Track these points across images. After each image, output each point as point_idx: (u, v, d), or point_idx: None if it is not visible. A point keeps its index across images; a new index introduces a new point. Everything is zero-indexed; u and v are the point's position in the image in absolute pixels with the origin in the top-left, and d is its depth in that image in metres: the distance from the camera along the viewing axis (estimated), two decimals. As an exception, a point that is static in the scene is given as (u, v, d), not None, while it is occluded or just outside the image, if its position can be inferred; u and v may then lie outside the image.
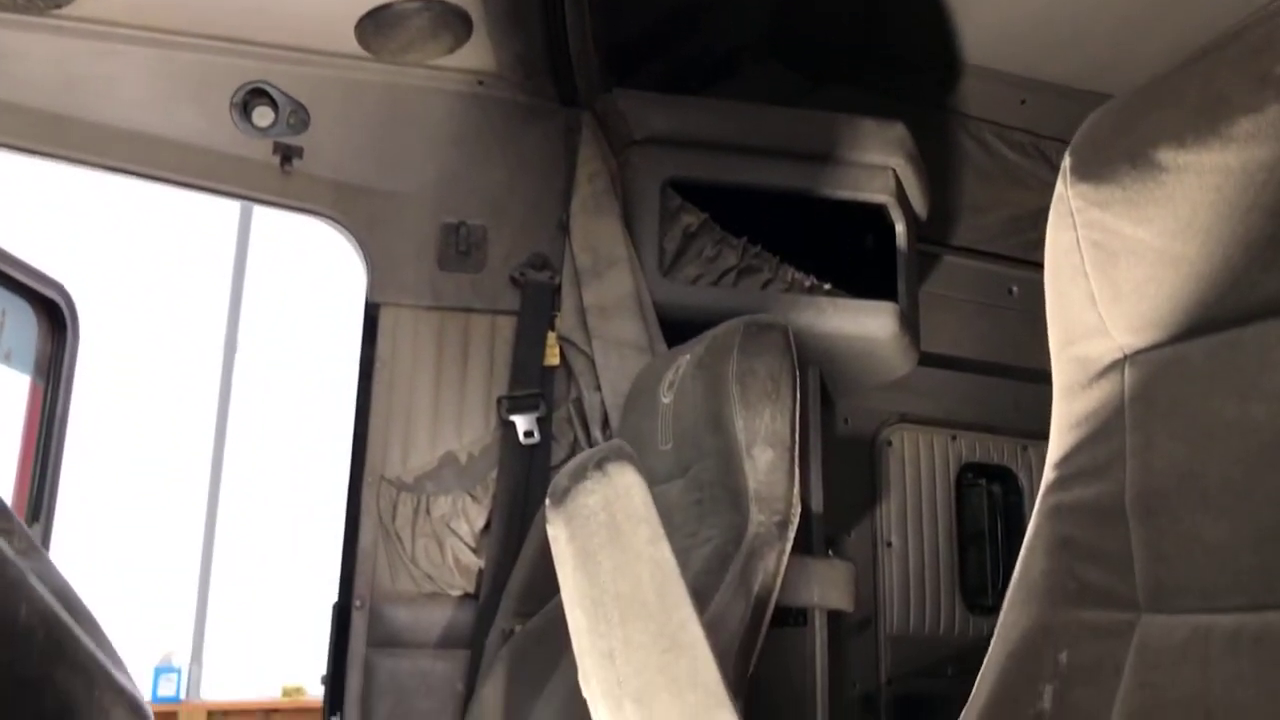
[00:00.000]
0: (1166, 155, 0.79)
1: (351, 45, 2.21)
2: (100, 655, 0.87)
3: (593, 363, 2.21)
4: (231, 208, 6.35)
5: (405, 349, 2.25)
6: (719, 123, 2.35)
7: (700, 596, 1.42)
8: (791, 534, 1.58)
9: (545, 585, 1.88)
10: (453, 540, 2.17)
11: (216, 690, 6.19)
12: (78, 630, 0.86)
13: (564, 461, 2.05)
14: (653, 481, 1.01)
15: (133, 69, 2.16)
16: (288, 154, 2.23)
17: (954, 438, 2.87)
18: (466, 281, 2.29)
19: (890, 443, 2.79)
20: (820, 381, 2.30)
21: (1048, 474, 0.90)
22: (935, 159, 2.64)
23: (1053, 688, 0.83)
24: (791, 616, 1.87)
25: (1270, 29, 0.74)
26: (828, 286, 2.35)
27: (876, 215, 2.43)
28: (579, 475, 0.98)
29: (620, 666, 0.93)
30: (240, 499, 6.35)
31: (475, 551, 2.18)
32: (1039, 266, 0.92)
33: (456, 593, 2.18)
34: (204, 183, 2.22)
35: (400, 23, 2.15)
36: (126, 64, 2.16)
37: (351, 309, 2.37)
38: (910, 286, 2.44)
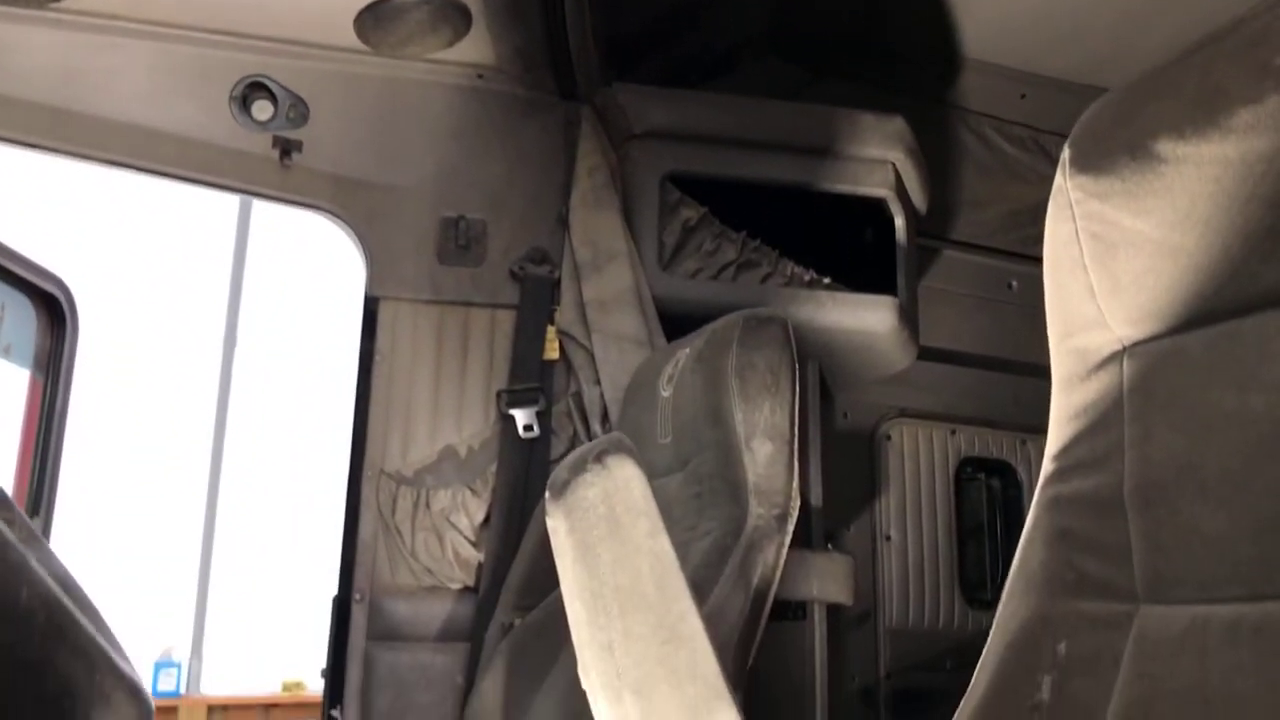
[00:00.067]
0: (1165, 147, 0.79)
1: (351, 39, 2.21)
2: (101, 640, 0.88)
3: (592, 357, 2.21)
4: (231, 201, 6.35)
5: (405, 343, 2.25)
6: (718, 117, 2.35)
7: (699, 589, 1.42)
8: (790, 527, 1.58)
9: (545, 579, 1.88)
10: (452, 534, 2.17)
11: (216, 685, 6.19)
12: (79, 615, 0.87)
13: (563, 455, 2.05)
14: (652, 475, 1.01)
15: (132, 62, 2.16)
16: (287, 148, 2.22)
17: (953, 432, 2.87)
18: (466, 275, 2.29)
19: (890, 437, 2.79)
20: (820, 375, 2.30)
21: (1046, 465, 0.90)
22: (935, 153, 2.64)
23: (1051, 678, 0.83)
24: (791, 610, 1.87)
25: (1268, 21, 0.74)
26: (827, 280, 2.35)
27: (876, 209, 2.43)
28: (579, 468, 0.98)
29: (620, 658, 0.94)
30: (240, 494, 6.36)
31: (475, 545, 2.18)
32: (1038, 261, 0.92)
33: (456, 586, 2.18)
34: (203, 176, 2.22)
35: (399, 16, 2.14)
36: (125, 57, 2.15)
37: (351, 302, 2.37)
38: (909, 280, 2.44)
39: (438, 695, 2.11)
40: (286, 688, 6.16)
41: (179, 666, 6.07)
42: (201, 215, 6.31)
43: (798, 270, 2.34)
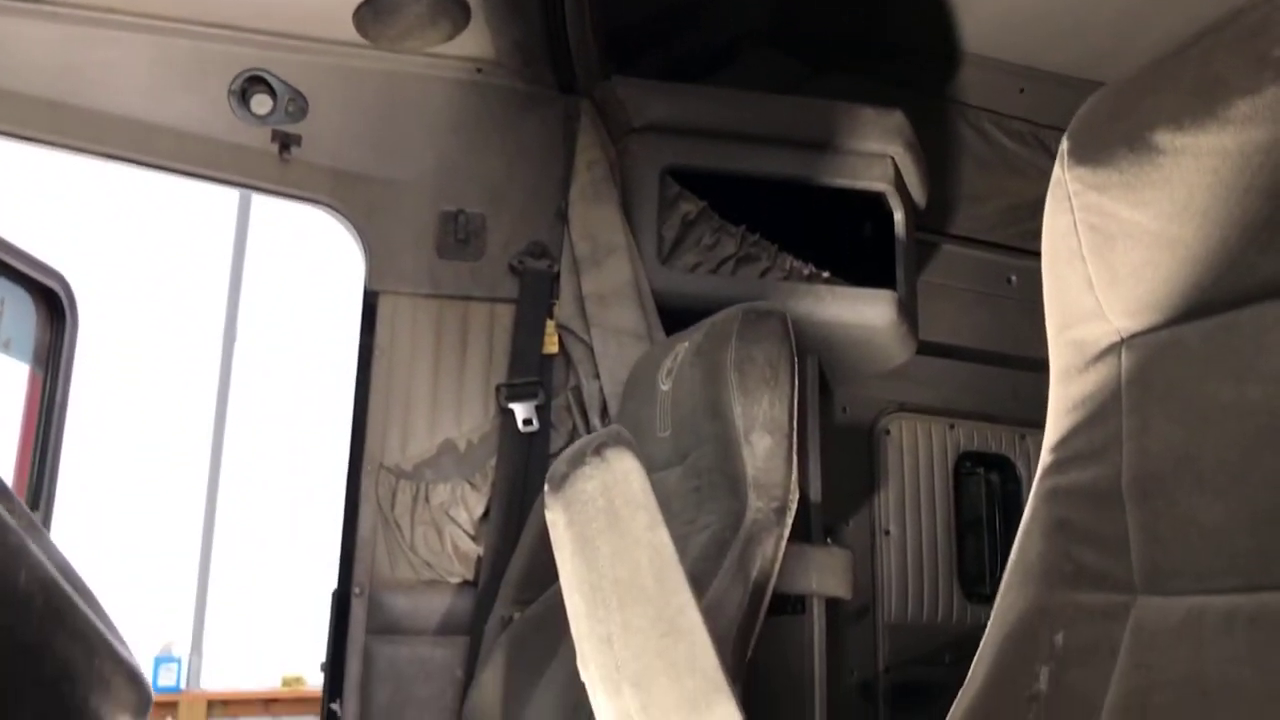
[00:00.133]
0: (1164, 138, 0.79)
1: (350, 33, 2.21)
2: (99, 625, 0.88)
3: (591, 351, 2.21)
4: (230, 196, 6.35)
5: (404, 337, 2.25)
6: (718, 110, 2.35)
7: (698, 582, 1.42)
8: (789, 520, 1.58)
9: (544, 573, 1.88)
10: (452, 528, 2.17)
11: (217, 680, 6.20)
12: (77, 600, 0.87)
13: (563, 449, 2.05)
14: (651, 468, 1.01)
15: (130, 56, 2.15)
16: (286, 142, 2.22)
17: (952, 426, 2.87)
18: (465, 269, 2.29)
19: (889, 431, 2.80)
20: (819, 370, 2.30)
21: (1044, 457, 0.90)
22: (934, 147, 2.64)
23: (1049, 669, 0.83)
24: (790, 604, 1.87)
25: (1267, 11, 0.74)
26: (826, 275, 2.35)
27: (875, 203, 2.43)
28: (577, 461, 0.98)
29: (619, 651, 0.94)
30: (239, 489, 6.36)
31: (474, 539, 2.19)
32: (1038, 256, 0.92)
33: (455, 580, 2.19)
34: (202, 171, 2.22)
35: (398, 10, 2.14)
36: (124, 51, 2.15)
37: (350, 296, 2.37)
38: (909, 275, 2.44)
39: (437, 689, 2.11)
40: (286, 682, 6.17)
41: (179, 661, 6.08)
42: (201, 210, 6.31)
43: (797, 264, 2.34)
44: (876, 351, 2.47)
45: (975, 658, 0.90)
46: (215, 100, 2.20)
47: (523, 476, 2.19)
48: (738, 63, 2.64)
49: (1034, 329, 0.99)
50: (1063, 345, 0.90)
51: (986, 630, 0.90)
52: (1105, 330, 0.87)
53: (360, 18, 2.17)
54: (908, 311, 2.40)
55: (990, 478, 2.97)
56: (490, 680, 1.94)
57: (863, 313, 2.33)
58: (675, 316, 2.16)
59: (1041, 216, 0.91)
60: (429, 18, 2.17)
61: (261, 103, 2.21)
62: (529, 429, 2.21)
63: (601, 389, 2.19)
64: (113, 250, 6.06)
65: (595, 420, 2.19)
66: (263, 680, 6.17)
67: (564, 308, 2.27)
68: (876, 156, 2.40)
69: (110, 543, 5.67)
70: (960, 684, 0.92)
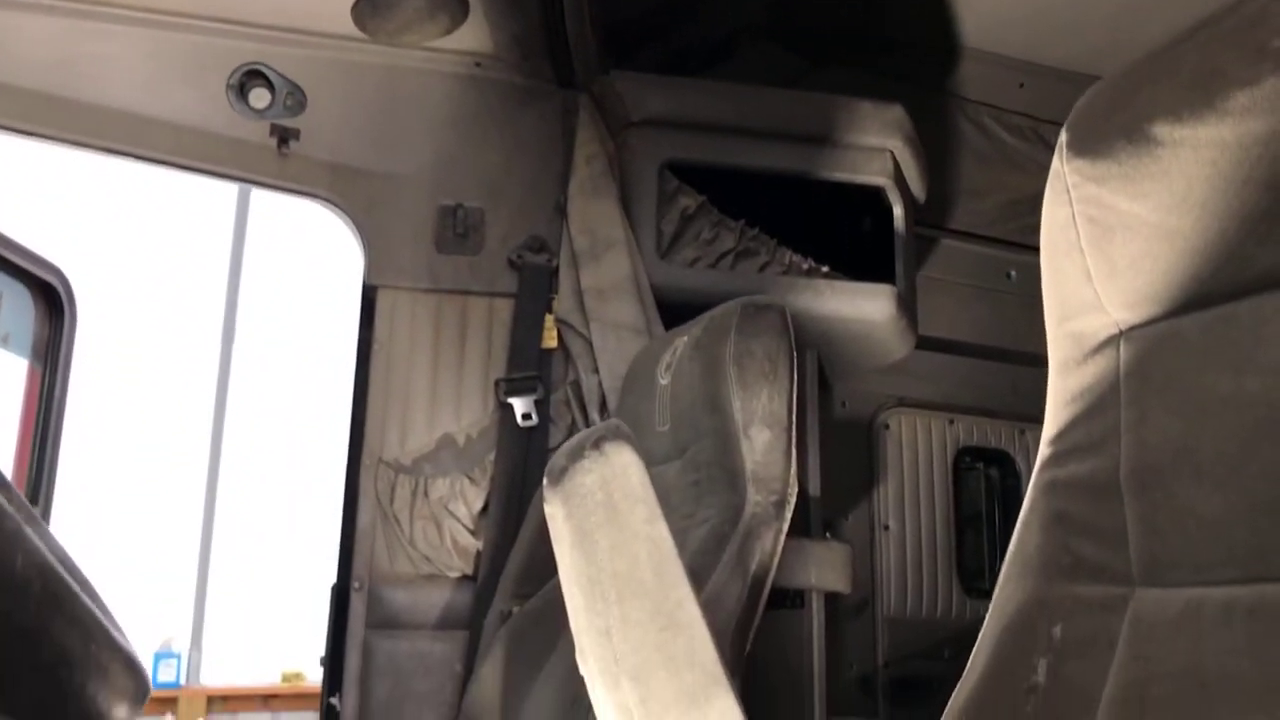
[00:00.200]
0: (1162, 130, 0.78)
1: (348, 27, 2.20)
2: (97, 612, 0.88)
3: (590, 345, 2.21)
4: (229, 190, 6.34)
5: (403, 331, 2.25)
6: (717, 105, 2.35)
7: (697, 576, 1.42)
8: (788, 514, 1.58)
9: (543, 567, 1.89)
10: (451, 522, 2.17)
11: (216, 675, 6.21)
12: (75, 586, 0.87)
13: (562, 444, 2.05)
14: (650, 462, 1.01)
15: (128, 50, 2.15)
16: (284, 136, 2.22)
17: (951, 421, 2.87)
18: (464, 264, 2.29)
19: (888, 426, 2.80)
20: (818, 364, 2.30)
21: (1043, 450, 0.90)
22: (933, 142, 2.64)
23: (1047, 661, 0.83)
24: (789, 598, 1.88)
25: (1265, 3, 0.74)
26: (825, 269, 2.35)
27: (874, 198, 2.43)
28: (576, 455, 0.98)
29: (617, 644, 0.94)
30: (239, 484, 6.36)
31: (473, 533, 2.19)
32: (1037, 251, 0.92)
33: (455, 574, 2.19)
34: (200, 165, 2.22)
35: (397, 4, 2.14)
36: (122, 44, 2.15)
37: (349, 291, 2.37)
38: (908, 269, 2.44)
39: (436, 683, 2.12)
40: (286, 678, 6.18)
41: (179, 657, 6.09)
42: (200, 205, 6.30)
43: (796, 259, 2.33)
44: (876, 346, 2.46)
45: (973, 650, 0.90)
46: (213, 94, 2.20)
47: (521, 471, 2.19)
48: (736, 57, 2.64)
49: (1033, 324, 0.99)
50: (1061, 337, 0.90)
51: (985, 622, 0.91)
52: (1104, 322, 0.86)
53: (358, 12, 2.16)
54: (907, 306, 2.40)
55: (989, 473, 2.98)
56: (489, 674, 1.94)
57: (862, 307, 2.33)
58: (674, 311, 2.16)
59: (1041, 211, 0.91)
60: (427, 12, 2.17)
61: (260, 96, 2.21)
62: (528, 424, 2.21)
63: (600, 383, 2.19)
64: (111, 245, 6.05)
65: (594, 415, 2.19)
66: (262, 676, 6.17)
67: (563, 302, 2.27)
68: (876, 151, 2.40)
69: (109, 538, 5.67)
70: (959, 678, 0.92)
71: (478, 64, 2.35)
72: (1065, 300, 0.89)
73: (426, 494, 2.18)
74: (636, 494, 0.97)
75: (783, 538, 1.56)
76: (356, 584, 2.14)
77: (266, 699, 6.15)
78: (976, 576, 2.86)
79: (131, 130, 2.15)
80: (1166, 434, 0.80)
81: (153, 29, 2.16)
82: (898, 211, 2.43)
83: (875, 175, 2.39)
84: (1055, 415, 0.90)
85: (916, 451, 2.82)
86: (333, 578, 2.17)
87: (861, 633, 2.67)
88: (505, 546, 2.13)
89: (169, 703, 5.87)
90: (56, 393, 2.38)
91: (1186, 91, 0.78)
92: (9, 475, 2.33)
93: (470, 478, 2.20)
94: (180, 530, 6.22)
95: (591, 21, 2.22)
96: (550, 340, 2.26)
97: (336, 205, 2.27)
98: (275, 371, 6.45)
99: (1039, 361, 0.95)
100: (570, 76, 2.36)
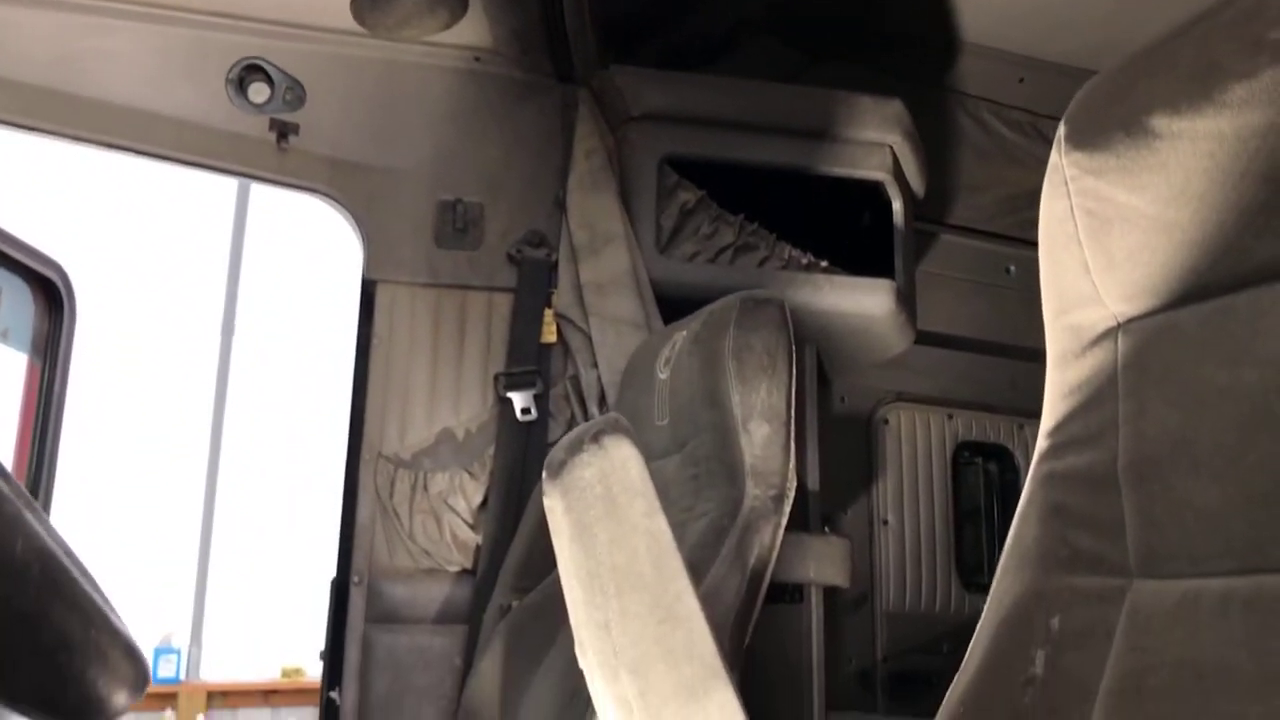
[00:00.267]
0: (1160, 122, 0.79)
1: (347, 21, 2.20)
2: (97, 598, 0.88)
3: (590, 340, 2.21)
4: (228, 185, 6.34)
5: (402, 326, 2.25)
6: (716, 99, 2.35)
7: (696, 570, 1.43)
8: (787, 508, 1.58)
9: (542, 561, 1.89)
10: (450, 516, 2.17)
11: (216, 671, 6.22)
12: (74, 572, 0.87)
13: (561, 438, 2.05)
14: (649, 457, 1.01)
15: (128, 44, 2.15)
16: (284, 131, 2.22)
17: (950, 416, 2.88)
18: (463, 259, 2.29)
19: (887, 421, 2.80)
20: (817, 359, 2.30)
21: (1041, 442, 0.91)
22: (932, 137, 2.64)
23: (1044, 653, 0.83)
24: (788, 593, 1.88)
25: (1265, -6, 0.74)
26: (824, 264, 2.35)
27: (873, 193, 2.43)
28: (575, 448, 0.98)
29: (616, 637, 0.94)
30: (238, 479, 6.36)
31: (473, 528, 2.19)
32: (1036, 246, 0.92)
33: (454, 569, 2.19)
34: (200, 160, 2.22)
35: (396, -2, 2.14)
36: (121, 39, 2.15)
37: (349, 286, 2.37)
38: (907, 264, 2.44)
39: (436, 677, 2.12)
40: (286, 673, 6.19)
41: (179, 653, 6.10)
42: (199, 200, 6.30)
43: (795, 253, 2.34)
44: (875, 341, 2.47)
45: (971, 642, 0.90)
46: (213, 89, 2.19)
47: (521, 465, 2.19)
48: (736, 51, 2.64)
49: (1032, 319, 0.99)
50: (1059, 330, 0.90)
51: (983, 615, 0.91)
52: (1102, 315, 0.87)
53: (358, 6, 2.16)
54: (906, 301, 2.40)
55: (988, 467, 2.98)
56: (489, 668, 1.94)
57: (861, 302, 2.33)
58: (673, 306, 2.16)
59: (1040, 207, 0.91)
60: (426, 6, 2.17)
61: (259, 91, 2.21)
62: (527, 418, 2.21)
63: (600, 378, 2.19)
64: (111, 240, 6.05)
65: (593, 409, 2.19)
66: (262, 671, 6.18)
67: (562, 297, 2.27)
68: (875, 146, 2.40)
69: (109, 534, 5.67)
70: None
71: (477, 59, 2.35)
72: (1063, 293, 0.89)
73: (426, 488, 2.19)
74: (635, 488, 0.97)
75: (781, 532, 1.57)
76: (356, 578, 2.14)
77: (266, 694, 6.16)
78: (975, 571, 2.87)
79: (131, 125, 2.15)
80: (1164, 426, 0.80)
81: (152, 24, 2.16)
82: (897, 206, 2.43)
83: (874, 170, 2.40)
84: (1053, 407, 0.90)
85: (915, 446, 2.83)
86: (332, 572, 2.17)
87: (860, 627, 2.68)
88: (504, 541, 2.13)
89: (169, 698, 5.88)
90: (56, 388, 2.37)
91: (1184, 84, 0.78)
92: (9, 469, 2.33)
93: (470, 472, 2.20)
94: (180, 526, 6.23)
95: (591, 16, 2.22)
96: (549, 335, 2.26)
97: (336, 200, 2.27)
98: (274, 366, 6.45)
99: (1038, 356, 0.96)
100: (570, 71, 2.36)
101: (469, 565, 2.19)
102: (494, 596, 2.08)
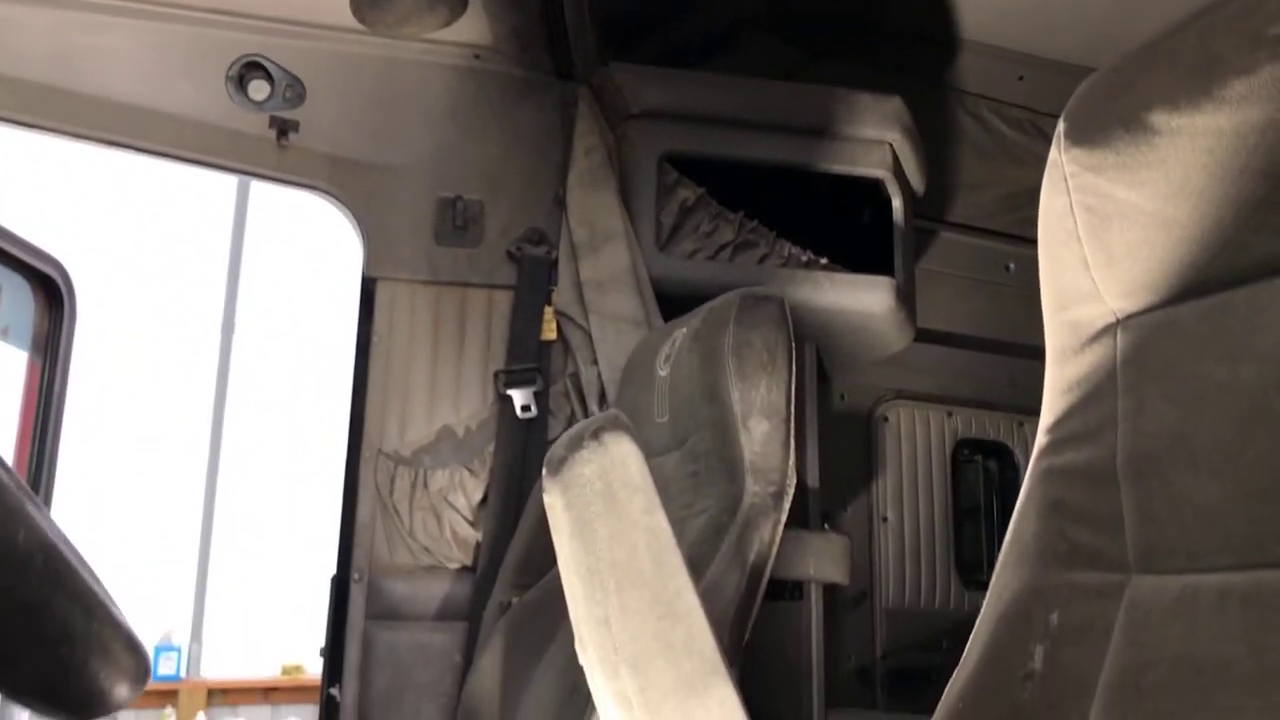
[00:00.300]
0: (1159, 118, 0.79)
1: (347, 18, 2.20)
2: (98, 590, 0.88)
3: (589, 337, 2.21)
4: (228, 182, 6.34)
5: (402, 323, 2.25)
6: (716, 97, 2.35)
7: (696, 566, 1.43)
8: (787, 505, 1.58)
9: (542, 558, 1.89)
10: (450, 513, 2.18)
11: (216, 668, 6.22)
12: (75, 563, 0.87)
13: (561, 435, 2.05)
14: (649, 453, 1.01)
15: (127, 42, 2.15)
16: (284, 128, 2.22)
17: (950, 414, 2.88)
18: (463, 256, 2.29)
19: (886, 418, 2.80)
20: (817, 356, 2.30)
21: (1040, 438, 0.91)
22: (932, 135, 2.64)
23: (1043, 648, 0.84)
24: (787, 589, 1.88)
25: (1264, -9, 0.74)
26: (824, 261, 2.35)
27: (873, 190, 2.43)
28: (575, 444, 0.98)
29: (616, 633, 0.94)
30: (238, 477, 6.36)
31: (473, 525, 2.19)
32: (1036, 243, 0.92)
33: (454, 565, 2.19)
34: (200, 157, 2.22)
35: (396, -4, 2.14)
36: (121, 36, 2.15)
37: (349, 283, 2.37)
38: (907, 262, 2.44)
39: (436, 674, 2.12)
40: (286, 671, 6.19)
41: (179, 650, 6.10)
42: (199, 197, 6.30)
43: (795, 251, 2.34)
44: (874, 338, 2.47)
45: (970, 637, 0.91)
46: (213, 86, 2.19)
47: (521, 462, 2.19)
48: (735, 49, 2.64)
49: (1032, 316, 0.99)
50: (1058, 326, 0.90)
51: (982, 611, 0.91)
52: (1101, 311, 0.87)
53: (357, 3, 2.16)
54: (906, 298, 2.40)
55: (988, 465, 2.98)
56: (489, 665, 1.95)
57: (861, 299, 2.33)
58: (673, 303, 2.16)
59: (1039, 204, 0.91)
60: (426, 3, 2.17)
61: (259, 88, 2.21)
62: (527, 415, 2.21)
63: (600, 375, 2.19)
64: (111, 237, 6.05)
65: (593, 406, 2.19)
66: (262, 669, 6.19)
67: (562, 294, 2.27)
68: (875, 143, 2.40)
69: (110, 532, 5.67)
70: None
71: (477, 56, 2.35)
72: (1063, 289, 0.89)
73: (426, 485, 2.19)
74: (635, 484, 0.97)
75: (781, 528, 1.57)
76: (356, 575, 2.15)
77: (267, 692, 6.17)
78: (975, 568, 2.87)
79: (131, 122, 2.15)
80: (1163, 422, 0.80)
81: (152, 21, 2.16)
82: (896, 204, 2.43)
83: (874, 167, 2.40)
84: (1052, 403, 0.90)
85: (915, 443, 2.83)
86: (332, 569, 2.18)
87: (860, 624, 2.68)
88: (504, 537, 2.13)
89: (169, 695, 5.88)
90: (56, 386, 2.37)
91: (1184, 80, 0.78)
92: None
93: (470, 469, 2.21)
94: (180, 523, 6.23)
95: (590, 13, 2.22)
96: (549, 332, 2.26)
97: (336, 197, 2.27)
98: (275, 364, 6.45)
99: (1037, 354, 0.96)
100: (569, 68, 2.36)
101: (469, 562, 2.19)
102: (494, 593, 2.08)
